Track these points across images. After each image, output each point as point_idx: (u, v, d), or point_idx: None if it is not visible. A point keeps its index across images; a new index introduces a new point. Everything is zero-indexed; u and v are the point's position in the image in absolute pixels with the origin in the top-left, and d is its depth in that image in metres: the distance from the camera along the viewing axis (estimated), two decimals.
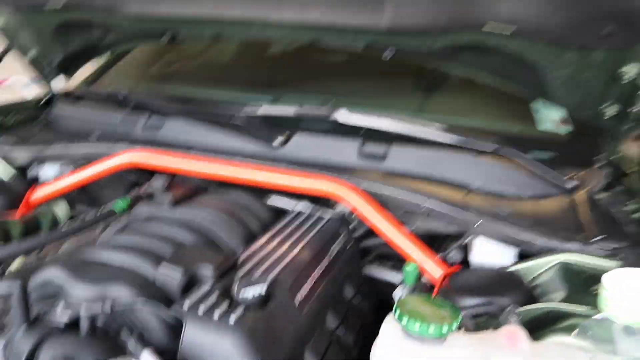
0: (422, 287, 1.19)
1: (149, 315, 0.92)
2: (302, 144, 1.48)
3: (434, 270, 1.19)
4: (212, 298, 0.93)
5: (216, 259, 1.03)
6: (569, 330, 0.91)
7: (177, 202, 1.31)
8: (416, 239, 1.24)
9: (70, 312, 0.90)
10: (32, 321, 0.92)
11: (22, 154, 1.57)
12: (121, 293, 0.93)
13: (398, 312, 0.80)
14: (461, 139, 1.45)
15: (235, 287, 0.96)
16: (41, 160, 1.57)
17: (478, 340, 0.85)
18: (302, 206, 1.39)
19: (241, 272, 1.03)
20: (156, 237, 1.11)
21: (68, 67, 1.85)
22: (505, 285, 1.08)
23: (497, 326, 0.90)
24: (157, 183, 1.35)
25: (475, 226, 1.21)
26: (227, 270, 1.03)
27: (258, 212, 1.37)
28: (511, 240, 1.19)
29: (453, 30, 1.27)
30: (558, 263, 1.14)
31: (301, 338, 1.00)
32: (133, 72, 2.11)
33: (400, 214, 1.33)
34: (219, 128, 1.54)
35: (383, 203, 1.31)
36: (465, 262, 1.28)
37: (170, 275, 0.98)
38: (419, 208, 1.27)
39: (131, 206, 1.30)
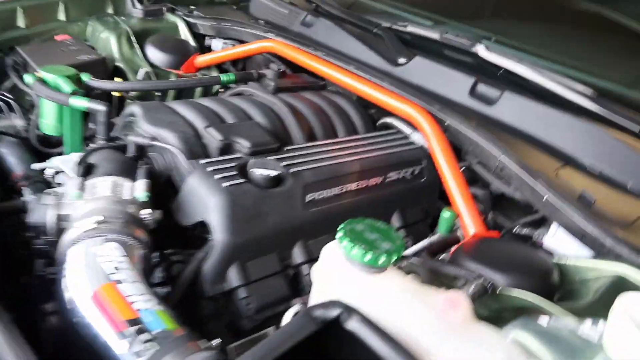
0: (453, 240, 1.11)
1: (179, 161, 1.07)
2: (420, 68, 1.42)
3: (471, 226, 1.09)
4: (228, 164, 1.04)
5: (256, 137, 1.12)
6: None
7: (280, 90, 1.42)
8: (467, 188, 1.14)
9: (134, 140, 1.10)
10: (110, 139, 1.17)
11: (203, 25, 1.84)
12: (168, 137, 1.10)
13: (341, 233, 0.79)
14: (599, 106, 1.24)
15: (250, 162, 1.05)
16: (215, 34, 1.82)
17: (417, 289, 0.79)
18: (413, 136, 1.35)
19: (279, 157, 1.11)
20: (232, 108, 1.24)
21: None
22: (519, 268, 0.94)
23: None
24: (272, 68, 1.47)
25: (543, 200, 1.06)
26: (265, 151, 1.12)
27: (353, 119, 1.40)
28: (575, 230, 1.01)
29: None
30: (616, 275, 0.94)
31: (294, 230, 1.05)
32: None
33: (474, 162, 1.22)
34: (355, 36, 1.57)
35: (460, 144, 1.22)
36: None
37: (212, 138, 1.11)
38: (493, 160, 1.15)
39: (238, 81, 1.46)
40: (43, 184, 1.22)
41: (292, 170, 1.08)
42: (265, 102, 1.31)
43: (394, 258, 0.76)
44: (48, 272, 0.92)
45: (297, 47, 1.51)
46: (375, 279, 0.79)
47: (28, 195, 1.11)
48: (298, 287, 1.07)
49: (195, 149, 1.10)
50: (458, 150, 1.25)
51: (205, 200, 0.97)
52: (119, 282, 0.76)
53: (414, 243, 1.26)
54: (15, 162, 1.28)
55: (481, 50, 1.44)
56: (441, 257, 1.07)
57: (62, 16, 1.82)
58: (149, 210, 0.91)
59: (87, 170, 1.00)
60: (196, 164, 1.02)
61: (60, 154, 1.36)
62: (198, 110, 1.18)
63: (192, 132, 1.12)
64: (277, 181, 1.05)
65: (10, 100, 1.46)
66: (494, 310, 0.85)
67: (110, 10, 1.93)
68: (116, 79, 1.53)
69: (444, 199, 1.36)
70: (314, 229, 1.09)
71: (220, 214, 0.95)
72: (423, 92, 1.35)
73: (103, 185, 0.94)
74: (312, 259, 1.07)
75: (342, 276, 0.81)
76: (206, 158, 1.07)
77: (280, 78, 1.46)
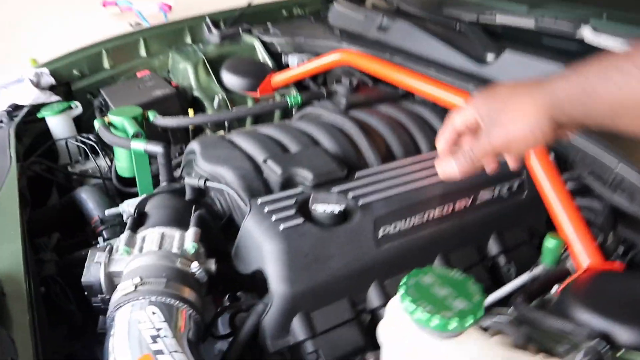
0: (560, 274, 0.90)
1: (234, 200, 0.99)
2: (511, 64, 1.22)
3: (584, 255, 0.88)
4: (288, 202, 0.93)
5: (320, 167, 1.01)
6: None
7: (352, 106, 1.29)
8: (575, 210, 0.92)
9: (188, 182, 1.04)
10: (174, 180, 1.12)
11: (279, 43, 1.77)
12: (226, 175, 1.02)
13: (403, 290, 0.65)
14: None
15: (311, 197, 0.94)
16: (291, 50, 1.74)
17: (502, 359, 0.63)
18: None
19: (346, 187, 0.98)
20: (296, 134, 1.14)
21: None
22: None
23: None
24: (344, 83, 1.35)
25: None
26: (331, 181, 1.00)
27: (438, 131, 1.24)
28: None
29: None
30: None
31: (366, 271, 0.92)
32: None
33: (585, 173, 1.01)
34: (435, 36, 1.39)
35: (564, 152, 1.01)
36: None
37: (272, 171, 1.01)
38: (609, 172, 0.93)
39: (305, 102, 1.35)
40: (119, 227, 1.21)
41: (361, 201, 0.95)
42: (333, 122, 1.19)
43: (469, 322, 0.60)
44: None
45: (368, 56, 1.38)
46: (450, 344, 0.64)
47: (102, 242, 1.09)
48: (375, 334, 0.94)
49: (255, 185, 1.01)
50: (562, 159, 1.04)
51: (260, 247, 0.87)
52: (157, 352, 0.69)
53: (518, 272, 1.07)
54: (93, 207, 1.28)
55: (587, 34, 1.20)
56: (546, 297, 0.87)
57: (143, 52, 1.85)
58: (196, 264, 0.83)
59: (140, 219, 0.95)
60: (253, 204, 0.93)
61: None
62: (258, 141, 1.10)
63: (250, 167, 1.04)
64: (342, 217, 0.93)
65: (93, 143, 1.49)
66: None
67: (188, 40, 1.93)
68: (190, 111, 1.51)
69: None
70: (390, 267, 0.95)
71: (276, 262, 0.85)
72: None
73: (151, 238, 0.88)
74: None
75: (410, 341, 0.66)
76: (268, 194, 0.98)
77: (353, 93, 1.33)
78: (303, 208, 0.93)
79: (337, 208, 0.91)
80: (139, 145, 1.10)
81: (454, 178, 0.71)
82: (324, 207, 0.92)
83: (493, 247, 1.08)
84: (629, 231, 1.06)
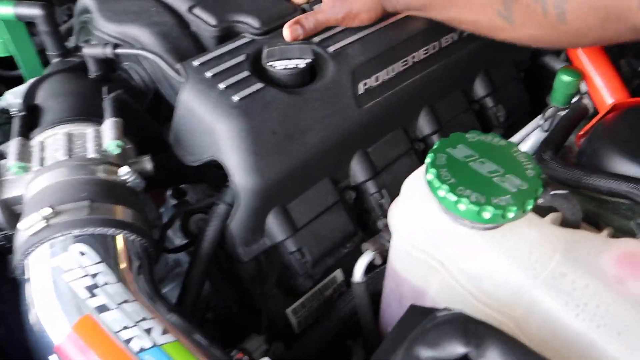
0: (580, 114, 0.74)
1: (159, 67, 0.72)
2: None
3: (607, 90, 0.72)
4: (234, 59, 0.68)
5: (267, 8, 0.75)
6: None
7: None
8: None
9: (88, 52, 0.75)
10: (67, 52, 0.83)
11: None
12: (140, 36, 0.74)
13: (434, 174, 0.45)
14: None
15: (264, 53, 0.69)
16: None
17: (569, 244, 0.47)
18: None
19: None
20: None
21: None
22: None
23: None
24: None
25: None
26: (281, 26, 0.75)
27: None
28: None
29: None
30: None
31: (349, 139, 0.72)
32: None
33: None
34: None
35: None
36: None
37: (203, 22, 0.74)
38: None
39: None
40: (9, 125, 0.93)
41: (331, 48, 0.71)
42: None
43: (529, 207, 0.43)
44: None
45: None
46: (498, 234, 0.47)
47: None
48: (363, 213, 0.77)
49: (183, 44, 0.75)
50: None
51: (210, 128, 0.64)
52: (101, 309, 0.49)
53: (508, 111, 0.91)
54: None
55: None
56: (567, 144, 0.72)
57: None
58: (126, 168, 0.59)
59: (32, 116, 0.68)
60: (188, 68, 0.68)
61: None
62: None
63: (172, 21, 0.76)
64: (311, 73, 0.70)
65: None
66: None
67: None
68: None
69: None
70: (373, 130, 0.75)
71: (238, 147, 0.62)
72: None
73: (53, 142, 0.62)
74: (377, 172, 0.75)
75: (441, 234, 0.49)
76: (200, 54, 0.71)
77: None
78: (256, 67, 0.69)
79: (302, 62, 0.68)
80: (6, 9, 0.78)
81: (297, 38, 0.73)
82: (285, 62, 0.68)
83: (480, 88, 0.90)
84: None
